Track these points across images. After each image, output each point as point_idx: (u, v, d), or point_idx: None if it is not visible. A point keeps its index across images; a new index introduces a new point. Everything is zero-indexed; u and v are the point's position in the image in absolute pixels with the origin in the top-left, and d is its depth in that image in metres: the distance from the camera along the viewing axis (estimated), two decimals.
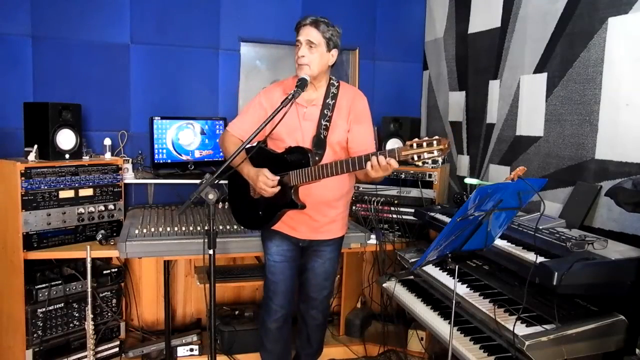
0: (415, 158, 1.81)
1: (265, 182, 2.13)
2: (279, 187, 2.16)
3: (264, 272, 2.49)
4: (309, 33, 2.17)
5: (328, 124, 2.26)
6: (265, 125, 2.02)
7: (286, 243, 2.39)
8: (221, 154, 3.31)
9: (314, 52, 2.17)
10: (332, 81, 2.31)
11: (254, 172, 2.19)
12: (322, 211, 2.32)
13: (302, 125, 2.27)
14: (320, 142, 2.25)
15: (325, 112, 2.26)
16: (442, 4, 3.55)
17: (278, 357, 2.57)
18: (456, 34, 3.41)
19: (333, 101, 2.28)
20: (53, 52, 3.08)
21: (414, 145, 1.81)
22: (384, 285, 2.82)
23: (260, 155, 2.27)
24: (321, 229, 2.37)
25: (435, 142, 1.76)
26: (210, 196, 1.95)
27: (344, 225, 2.47)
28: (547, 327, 1.84)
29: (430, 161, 1.79)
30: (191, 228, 2.72)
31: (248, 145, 2.07)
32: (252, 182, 2.21)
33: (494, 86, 3.02)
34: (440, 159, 1.79)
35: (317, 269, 2.45)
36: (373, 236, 3.04)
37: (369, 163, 1.91)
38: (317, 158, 2.19)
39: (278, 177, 2.15)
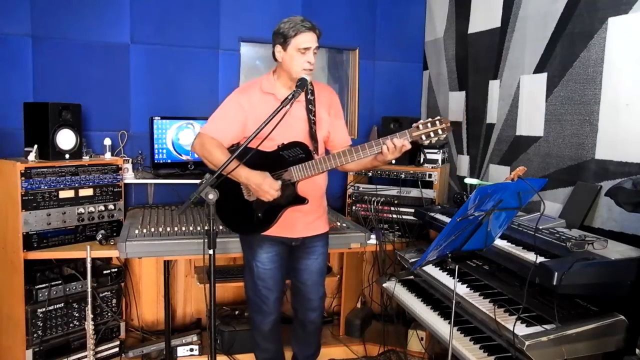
0: (424, 138, 2.04)
1: (272, 185, 2.11)
2: (280, 192, 2.15)
3: (248, 276, 2.42)
4: (316, 40, 2.20)
5: (314, 118, 2.30)
6: (265, 125, 1.98)
7: (276, 248, 2.35)
8: None
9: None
10: None
11: (259, 176, 2.12)
12: (314, 206, 2.34)
13: (289, 122, 2.19)
14: (313, 136, 2.28)
15: (310, 107, 2.30)
16: (442, 4, 3.55)
17: (274, 354, 2.57)
18: (456, 34, 3.41)
19: (312, 97, 2.31)
20: (53, 52, 3.08)
21: (420, 126, 2.03)
22: (384, 285, 2.83)
23: (252, 155, 2.16)
24: (312, 224, 2.39)
25: (437, 122, 2.02)
26: (210, 196, 1.94)
27: (327, 220, 2.53)
28: (547, 327, 1.84)
29: (435, 141, 2.04)
30: (191, 228, 2.72)
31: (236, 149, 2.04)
32: (255, 187, 2.13)
33: (494, 86, 3.01)
34: (443, 137, 2.05)
35: (311, 266, 2.45)
36: (373, 236, 3.04)
37: (384, 146, 2.05)
38: (314, 151, 2.23)
39: (280, 182, 2.15)
